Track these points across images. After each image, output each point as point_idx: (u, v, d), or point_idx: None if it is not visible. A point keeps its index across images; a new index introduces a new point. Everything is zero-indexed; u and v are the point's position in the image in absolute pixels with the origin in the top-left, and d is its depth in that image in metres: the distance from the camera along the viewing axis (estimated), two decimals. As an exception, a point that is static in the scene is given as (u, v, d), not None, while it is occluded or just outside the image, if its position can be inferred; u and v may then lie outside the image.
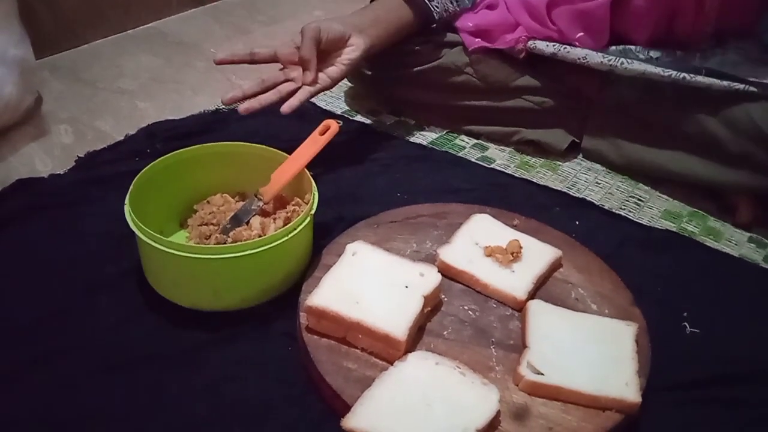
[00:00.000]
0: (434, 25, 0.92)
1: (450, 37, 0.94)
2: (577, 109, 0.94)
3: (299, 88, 0.82)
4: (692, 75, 0.79)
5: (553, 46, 0.88)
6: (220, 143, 0.74)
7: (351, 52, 0.84)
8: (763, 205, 0.83)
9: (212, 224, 0.71)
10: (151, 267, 0.65)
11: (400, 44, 0.91)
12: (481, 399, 0.54)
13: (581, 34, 0.88)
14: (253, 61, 0.83)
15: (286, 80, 0.83)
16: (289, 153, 0.72)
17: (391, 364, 0.57)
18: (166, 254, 0.59)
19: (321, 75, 0.83)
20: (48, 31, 1.13)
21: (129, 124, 0.96)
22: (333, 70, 0.84)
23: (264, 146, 0.74)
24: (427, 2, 0.90)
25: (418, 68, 0.94)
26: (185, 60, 1.18)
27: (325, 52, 0.84)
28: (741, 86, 0.77)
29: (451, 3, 0.92)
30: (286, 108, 0.80)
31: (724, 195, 0.85)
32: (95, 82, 1.09)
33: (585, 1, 0.88)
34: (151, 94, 1.07)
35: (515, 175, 0.91)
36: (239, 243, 0.62)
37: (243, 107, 0.80)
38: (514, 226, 0.75)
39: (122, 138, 0.92)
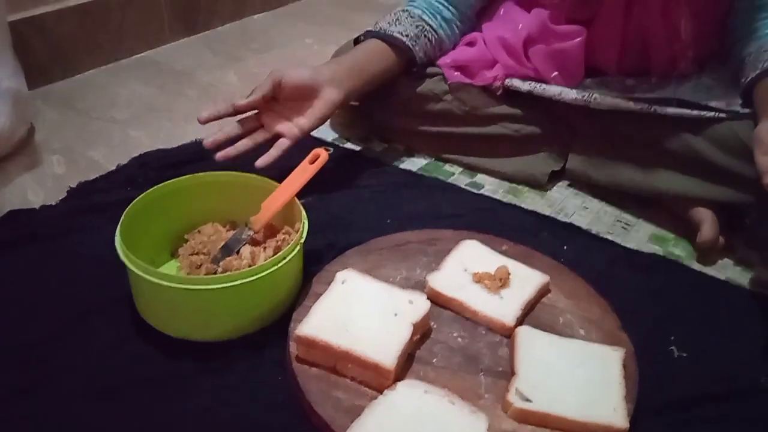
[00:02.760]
0: (415, 69, 0.94)
1: (430, 68, 0.96)
2: (560, 134, 0.95)
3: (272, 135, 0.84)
4: (663, 107, 0.81)
5: (530, 84, 0.91)
6: (210, 173, 0.75)
7: (322, 107, 0.85)
8: (728, 225, 0.83)
9: (203, 254, 0.72)
10: (142, 298, 0.66)
11: (381, 88, 0.92)
12: (470, 427, 0.55)
13: (556, 73, 0.91)
14: (236, 112, 0.84)
15: (262, 125, 0.85)
16: (280, 181, 0.73)
17: (381, 393, 0.58)
18: (155, 285, 0.60)
19: (290, 125, 0.84)
20: (41, 61, 1.15)
21: (122, 154, 0.96)
22: (303, 122, 0.85)
23: (254, 175, 0.75)
24: (411, 47, 0.92)
25: (398, 96, 0.95)
26: (178, 88, 1.20)
27: (297, 100, 0.85)
28: (711, 114, 0.79)
29: (434, 48, 0.95)
30: (260, 163, 0.82)
31: (688, 216, 0.85)
32: (88, 111, 1.10)
33: (560, 42, 0.90)
34: (143, 123, 1.08)
35: (504, 200, 0.92)
36: (229, 273, 0.63)
37: (219, 155, 0.82)
38: (503, 252, 0.76)
39: (114, 167, 0.93)
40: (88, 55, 1.22)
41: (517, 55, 0.92)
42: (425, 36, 0.94)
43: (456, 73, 0.94)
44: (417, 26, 0.94)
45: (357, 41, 0.96)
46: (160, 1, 1.32)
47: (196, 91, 1.19)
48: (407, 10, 0.96)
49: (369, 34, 0.93)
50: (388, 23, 0.93)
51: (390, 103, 0.97)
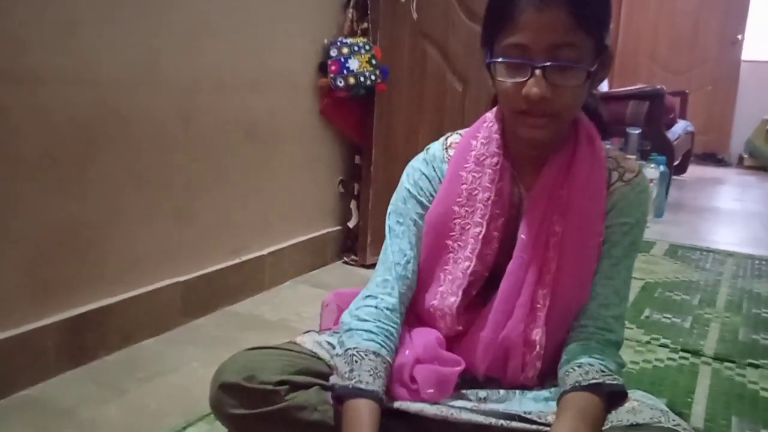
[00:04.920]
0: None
1: (305, 379, 0.99)
2: None
3: None
4: (508, 421, 0.92)
5: (396, 402, 0.97)
6: None
7: None
8: None
9: None
10: None
11: None
12: None
13: (431, 390, 0.98)
14: None
15: None
16: None
17: None
18: None
19: None
20: None
21: None
22: None
23: None
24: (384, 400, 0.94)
25: (273, 407, 0.95)
26: (55, 429, 1.19)
27: None
28: (547, 428, 0.91)
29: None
30: None
31: None
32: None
33: (444, 366, 0.99)
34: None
35: None
36: None
37: None
38: None
39: None
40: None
41: (404, 381, 0.99)
42: (387, 376, 0.97)
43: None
44: (387, 376, 0.96)
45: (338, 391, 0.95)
46: (47, 340, 1.37)
47: (75, 431, 1.19)
48: (378, 355, 0.96)
49: (362, 393, 0.92)
50: (371, 377, 0.93)
51: (263, 414, 0.96)
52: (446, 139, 1.09)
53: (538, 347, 0.99)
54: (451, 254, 1.02)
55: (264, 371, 0.96)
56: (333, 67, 2.07)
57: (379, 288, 1.03)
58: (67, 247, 1.42)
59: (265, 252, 2.00)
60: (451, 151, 1.06)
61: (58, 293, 1.41)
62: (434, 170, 1.06)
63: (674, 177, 4.12)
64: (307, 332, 1.11)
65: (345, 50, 2.07)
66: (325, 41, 2.09)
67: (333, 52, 2.07)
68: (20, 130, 1.30)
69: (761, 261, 2.68)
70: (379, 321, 1.00)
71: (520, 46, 0.90)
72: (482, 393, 1.04)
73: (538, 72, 0.89)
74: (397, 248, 1.05)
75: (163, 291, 1.65)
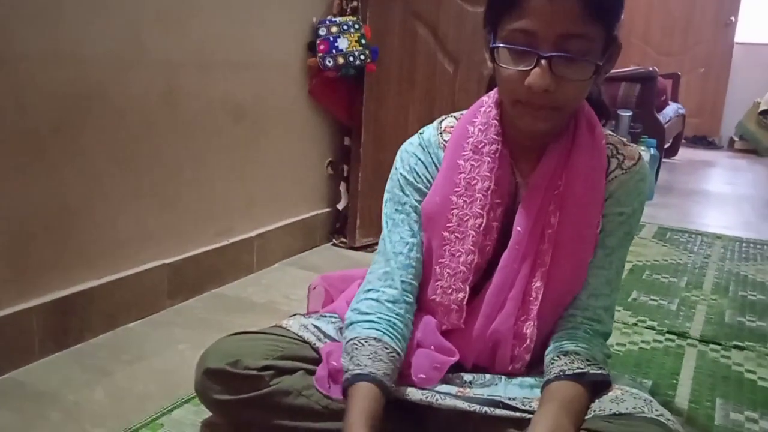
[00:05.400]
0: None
1: (289, 364, 0.98)
2: (410, 427, 1.00)
3: None
4: (492, 408, 0.92)
5: None
6: None
7: None
8: None
9: None
10: None
11: None
12: None
13: (423, 376, 0.98)
14: None
15: None
16: None
17: None
18: None
19: None
20: None
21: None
22: None
23: None
24: (390, 387, 0.92)
25: (257, 393, 0.95)
26: (39, 412, 1.19)
27: None
28: (531, 415, 0.90)
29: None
30: None
31: None
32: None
33: (440, 353, 0.99)
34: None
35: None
36: None
37: None
38: None
39: None
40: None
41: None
42: (397, 367, 0.95)
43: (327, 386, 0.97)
44: (391, 360, 0.94)
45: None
46: (32, 323, 1.36)
47: (60, 414, 1.18)
48: (379, 340, 0.94)
49: (358, 378, 0.91)
50: (371, 360, 0.92)
51: (250, 399, 0.96)
52: (440, 122, 1.05)
53: (528, 341, 0.99)
54: (447, 246, 0.99)
55: (248, 356, 0.96)
56: (322, 47, 2.04)
57: (380, 281, 1.01)
58: (50, 229, 1.40)
59: (252, 234, 1.98)
60: (446, 136, 1.03)
61: (42, 276, 1.40)
62: (431, 156, 1.02)
63: (665, 160, 4.12)
64: (293, 315, 1.11)
65: (334, 29, 2.04)
66: (314, 20, 2.06)
67: (322, 31, 2.04)
68: (1, 110, 1.27)
69: (749, 244, 2.69)
70: (381, 313, 0.97)
71: (528, 33, 0.85)
72: (467, 377, 1.03)
73: (543, 62, 0.84)
74: (397, 237, 1.01)
75: (148, 273, 1.63)
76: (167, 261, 1.69)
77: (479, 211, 0.98)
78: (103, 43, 1.44)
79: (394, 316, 0.97)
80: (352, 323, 0.98)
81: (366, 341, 0.93)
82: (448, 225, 0.99)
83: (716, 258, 2.45)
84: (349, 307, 1.02)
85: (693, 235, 2.77)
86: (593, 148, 0.97)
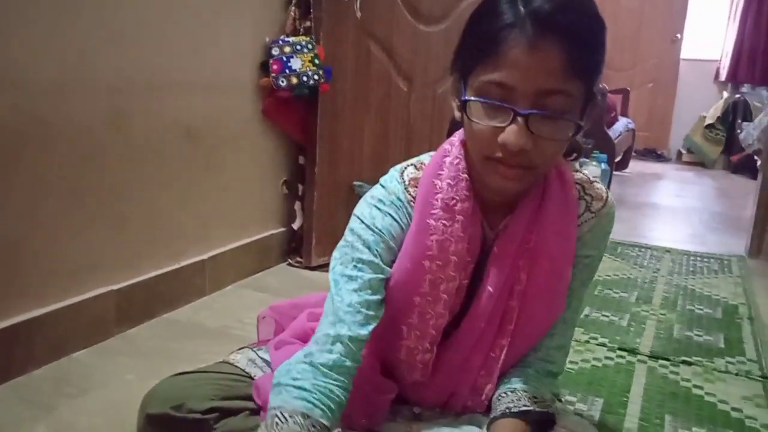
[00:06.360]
0: None
1: (235, 404, 0.95)
2: None
3: None
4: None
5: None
6: None
7: None
8: None
9: None
10: None
11: None
12: None
13: (364, 420, 0.95)
14: None
15: None
16: None
17: None
18: None
19: None
20: None
21: None
22: None
23: None
24: None
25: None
26: (-24, 453, 1.13)
27: None
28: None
29: None
30: None
31: None
32: None
33: (376, 394, 0.95)
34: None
35: None
36: None
37: None
38: None
39: None
40: None
41: None
42: None
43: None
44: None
45: None
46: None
47: (-2, 454, 1.13)
48: (307, 417, 0.80)
49: None
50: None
51: None
52: (401, 175, 0.94)
53: (483, 396, 0.98)
54: (416, 309, 0.92)
55: (193, 398, 0.93)
56: (275, 67, 2.02)
57: (318, 345, 0.86)
58: (-12, 258, 1.34)
59: (205, 256, 1.94)
60: (412, 191, 0.92)
61: (-21, 307, 1.34)
62: (405, 216, 0.91)
63: (616, 173, 4.23)
64: (241, 349, 1.09)
65: (287, 49, 2.03)
66: (267, 40, 2.04)
67: (275, 51, 2.03)
68: (-67, 135, 1.22)
69: (696, 257, 2.77)
70: (316, 380, 0.83)
71: (504, 86, 0.78)
72: (417, 409, 1.03)
73: (520, 119, 0.77)
74: (355, 298, 0.86)
75: (95, 300, 1.58)
76: (115, 287, 1.64)
77: (452, 273, 0.90)
78: (43, 66, 1.40)
79: (332, 382, 0.84)
80: (279, 384, 0.84)
81: (291, 417, 0.79)
82: (419, 290, 0.91)
83: (665, 272, 2.51)
84: (279, 362, 0.90)
85: (643, 249, 2.84)
86: (565, 198, 0.93)
